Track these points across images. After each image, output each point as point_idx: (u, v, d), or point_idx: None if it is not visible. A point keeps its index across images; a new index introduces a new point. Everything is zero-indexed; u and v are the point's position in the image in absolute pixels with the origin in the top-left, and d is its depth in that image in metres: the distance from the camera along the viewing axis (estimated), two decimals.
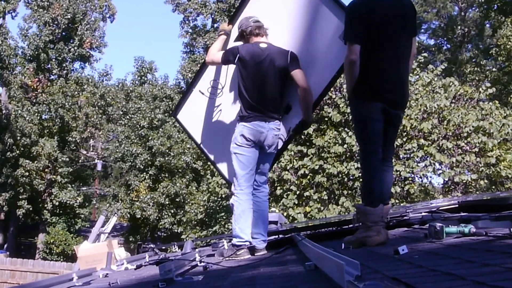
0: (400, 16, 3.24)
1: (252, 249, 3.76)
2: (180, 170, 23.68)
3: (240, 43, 4.01)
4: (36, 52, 24.44)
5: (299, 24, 3.98)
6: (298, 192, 11.60)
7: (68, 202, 23.40)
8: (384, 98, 3.18)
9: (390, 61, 3.20)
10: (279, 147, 4.01)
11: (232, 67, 4.16)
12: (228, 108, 4.28)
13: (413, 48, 3.37)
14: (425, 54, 14.06)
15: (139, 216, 22.68)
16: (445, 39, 29.70)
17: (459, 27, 28.02)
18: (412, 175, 11.71)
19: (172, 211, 22.51)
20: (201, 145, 4.51)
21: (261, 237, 3.82)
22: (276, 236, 4.73)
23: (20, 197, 22.74)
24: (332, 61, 3.76)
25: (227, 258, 3.69)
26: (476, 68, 24.56)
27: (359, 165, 6.85)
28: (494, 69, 24.11)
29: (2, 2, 23.87)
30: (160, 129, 23.48)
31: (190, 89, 4.61)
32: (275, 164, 9.54)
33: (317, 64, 3.90)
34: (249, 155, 3.82)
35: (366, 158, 3.30)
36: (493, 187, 12.81)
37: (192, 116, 4.54)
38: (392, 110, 3.23)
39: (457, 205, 4.28)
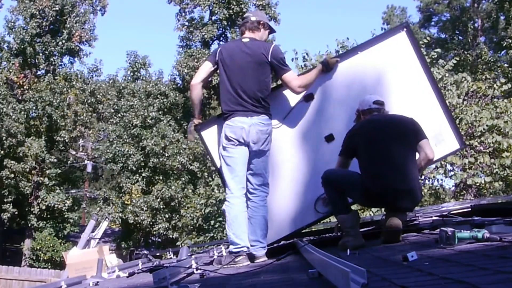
0: (394, 134, 3.57)
1: (251, 256, 3.76)
2: (175, 172, 23.65)
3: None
4: (22, 46, 24.38)
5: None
6: None
7: (56, 205, 23.31)
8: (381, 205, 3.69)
9: (379, 175, 3.51)
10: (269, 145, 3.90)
11: None
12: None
13: (425, 151, 3.57)
14: (438, 50, 13.96)
15: (131, 220, 22.63)
16: (456, 32, 29.71)
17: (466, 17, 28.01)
18: (422, 178, 11.71)
19: (167, 216, 22.48)
20: None
21: (259, 245, 3.80)
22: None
23: (5, 200, 22.66)
24: None
25: (225, 266, 3.68)
26: (487, 66, 24.60)
27: None
28: (506, 65, 24.13)
29: None
30: (154, 128, 23.45)
31: None
32: None
33: None
34: (235, 156, 3.79)
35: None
36: (508, 189, 12.83)
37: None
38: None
39: (469, 209, 4.29)
